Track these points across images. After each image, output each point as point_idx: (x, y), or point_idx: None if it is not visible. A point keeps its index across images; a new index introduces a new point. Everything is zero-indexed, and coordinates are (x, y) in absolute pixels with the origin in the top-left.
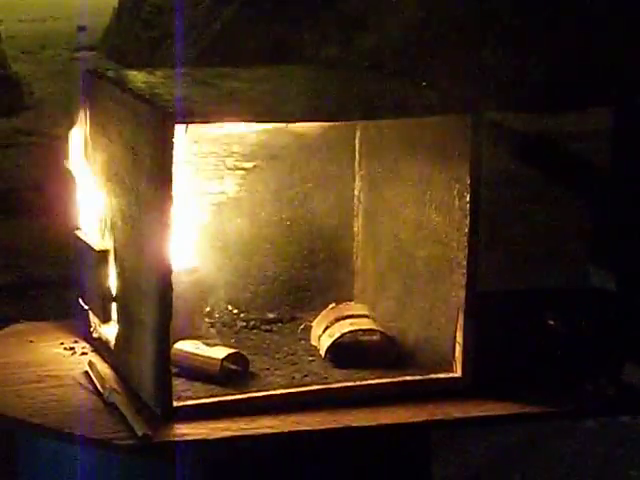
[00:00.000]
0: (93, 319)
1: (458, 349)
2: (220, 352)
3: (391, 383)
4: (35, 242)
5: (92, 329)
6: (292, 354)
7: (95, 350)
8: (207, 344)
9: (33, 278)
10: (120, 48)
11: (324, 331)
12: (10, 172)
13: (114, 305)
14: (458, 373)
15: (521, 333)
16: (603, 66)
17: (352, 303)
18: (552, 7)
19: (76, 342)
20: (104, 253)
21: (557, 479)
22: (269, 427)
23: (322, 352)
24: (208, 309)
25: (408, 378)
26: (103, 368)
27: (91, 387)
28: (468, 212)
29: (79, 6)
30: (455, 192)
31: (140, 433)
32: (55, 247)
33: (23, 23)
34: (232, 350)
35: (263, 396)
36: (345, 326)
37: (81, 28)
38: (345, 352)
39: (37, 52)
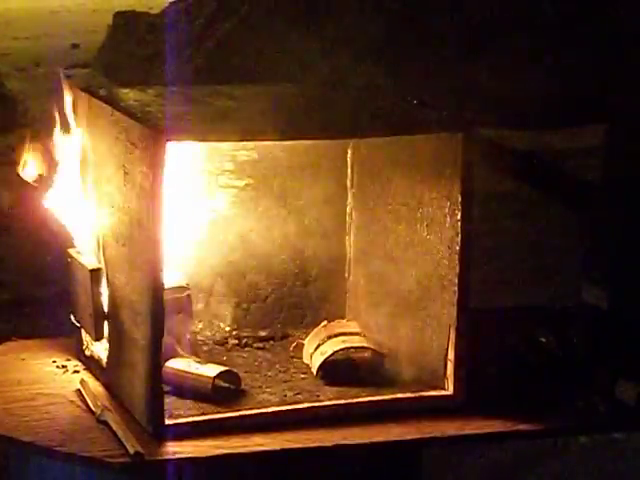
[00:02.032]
0: (85, 337)
1: (450, 366)
2: (212, 370)
3: (383, 401)
4: (28, 259)
5: (84, 347)
6: (284, 372)
7: (87, 368)
8: (199, 362)
9: (26, 295)
10: (114, 65)
11: (316, 349)
12: (3, 189)
13: (106, 323)
14: (450, 390)
15: (513, 350)
16: (594, 83)
17: (344, 321)
18: (543, 25)
19: (68, 360)
20: (96, 271)
21: None
22: (261, 445)
23: (314, 370)
24: (200, 327)
25: (400, 395)
26: (95, 386)
27: (83, 405)
28: (459, 230)
29: (73, 23)
30: (446, 210)
31: (132, 451)
32: (48, 265)
33: (17, 40)
34: (224, 368)
35: (255, 414)
36: (337, 344)
37: (75, 45)
38: (337, 370)
39: (31, 70)
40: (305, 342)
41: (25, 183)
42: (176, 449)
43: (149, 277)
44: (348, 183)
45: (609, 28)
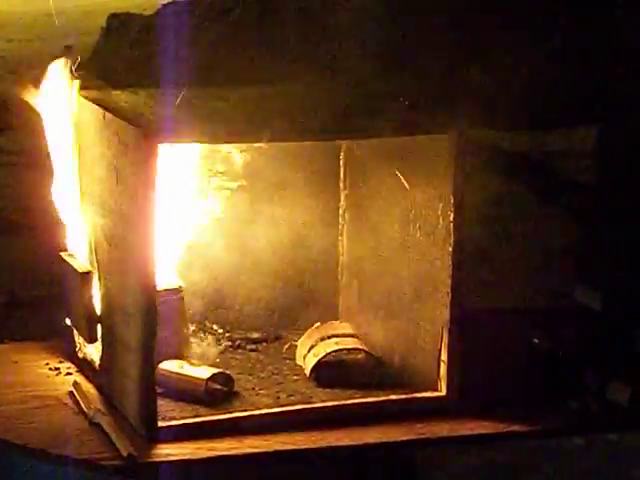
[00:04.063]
0: (78, 339)
1: (443, 368)
2: (205, 372)
3: (376, 402)
4: (21, 262)
5: (77, 349)
6: (277, 373)
7: (80, 370)
8: (192, 364)
9: (18, 298)
10: (107, 67)
11: (309, 350)
12: None
13: (99, 326)
14: (443, 392)
15: (506, 351)
16: (588, 84)
17: (337, 322)
18: (537, 25)
19: (61, 362)
20: (87, 275)
21: None
22: (254, 447)
23: (307, 371)
24: (193, 329)
25: (393, 397)
26: (88, 388)
27: (76, 407)
28: (452, 231)
29: (66, 26)
30: (439, 211)
31: (125, 453)
32: (41, 267)
33: (11, 43)
34: (217, 370)
35: (248, 416)
36: (330, 345)
37: (68, 47)
38: (330, 371)
39: (24, 72)
40: (298, 344)
41: (16, 186)
42: (169, 451)
43: (141, 279)
44: (341, 184)
45: (606, 28)
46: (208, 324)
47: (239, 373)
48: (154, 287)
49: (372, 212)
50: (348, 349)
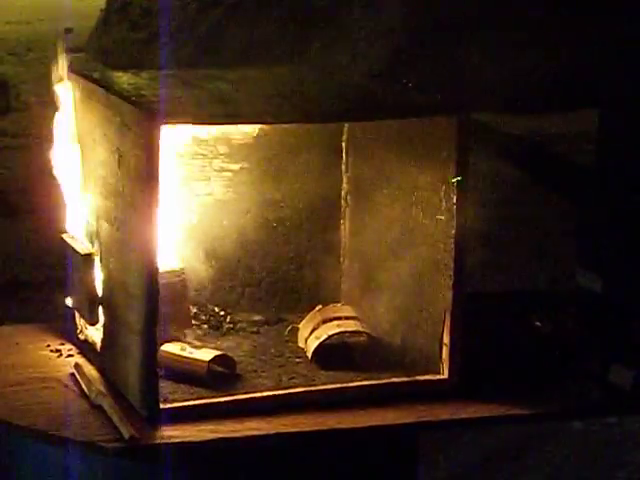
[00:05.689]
0: (80, 321)
1: (445, 350)
2: (207, 354)
3: (378, 385)
4: (22, 244)
5: (79, 331)
6: (279, 356)
7: (82, 352)
8: (194, 346)
9: (20, 280)
10: (107, 50)
11: (311, 333)
12: None
13: (101, 307)
14: (445, 375)
15: (507, 334)
16: (589, 67)
17: (339, 305)
18: (538, 7)
19: (62, 344)
20: (89, 256)
21: None
22: (256, 429)
23: (309, 354)
24: (195, 311)
25: (395, 380)
26: (89, 370)
27: (77, 389)
28: (454, 213)
29: (65, 8)
30: (442, 194)
31: (127, 435)
32: (42, 249)
33: (10, 25)
34: (219, 352)
35: (250, 398)
36: (332, 328)
37: (68, 30)
38: (332, 354)
39: (24, 54)
40: (300, 326)
41: (17, 168)
42: (171, 433)
43: (143, 261)
44: (343, 167)
45: (604, 12)
46: (210, 306)
47: (241, 355)
48: (156, 269)
49: (374, 195)
50: (350, 332)
